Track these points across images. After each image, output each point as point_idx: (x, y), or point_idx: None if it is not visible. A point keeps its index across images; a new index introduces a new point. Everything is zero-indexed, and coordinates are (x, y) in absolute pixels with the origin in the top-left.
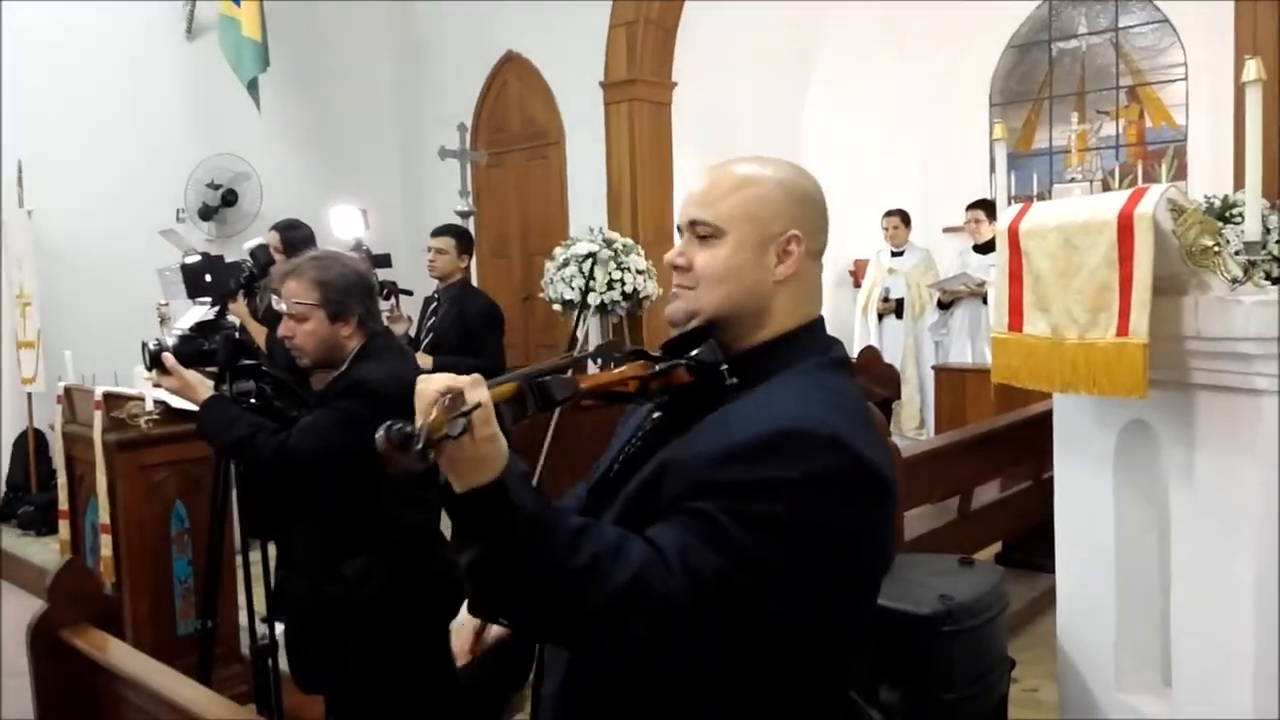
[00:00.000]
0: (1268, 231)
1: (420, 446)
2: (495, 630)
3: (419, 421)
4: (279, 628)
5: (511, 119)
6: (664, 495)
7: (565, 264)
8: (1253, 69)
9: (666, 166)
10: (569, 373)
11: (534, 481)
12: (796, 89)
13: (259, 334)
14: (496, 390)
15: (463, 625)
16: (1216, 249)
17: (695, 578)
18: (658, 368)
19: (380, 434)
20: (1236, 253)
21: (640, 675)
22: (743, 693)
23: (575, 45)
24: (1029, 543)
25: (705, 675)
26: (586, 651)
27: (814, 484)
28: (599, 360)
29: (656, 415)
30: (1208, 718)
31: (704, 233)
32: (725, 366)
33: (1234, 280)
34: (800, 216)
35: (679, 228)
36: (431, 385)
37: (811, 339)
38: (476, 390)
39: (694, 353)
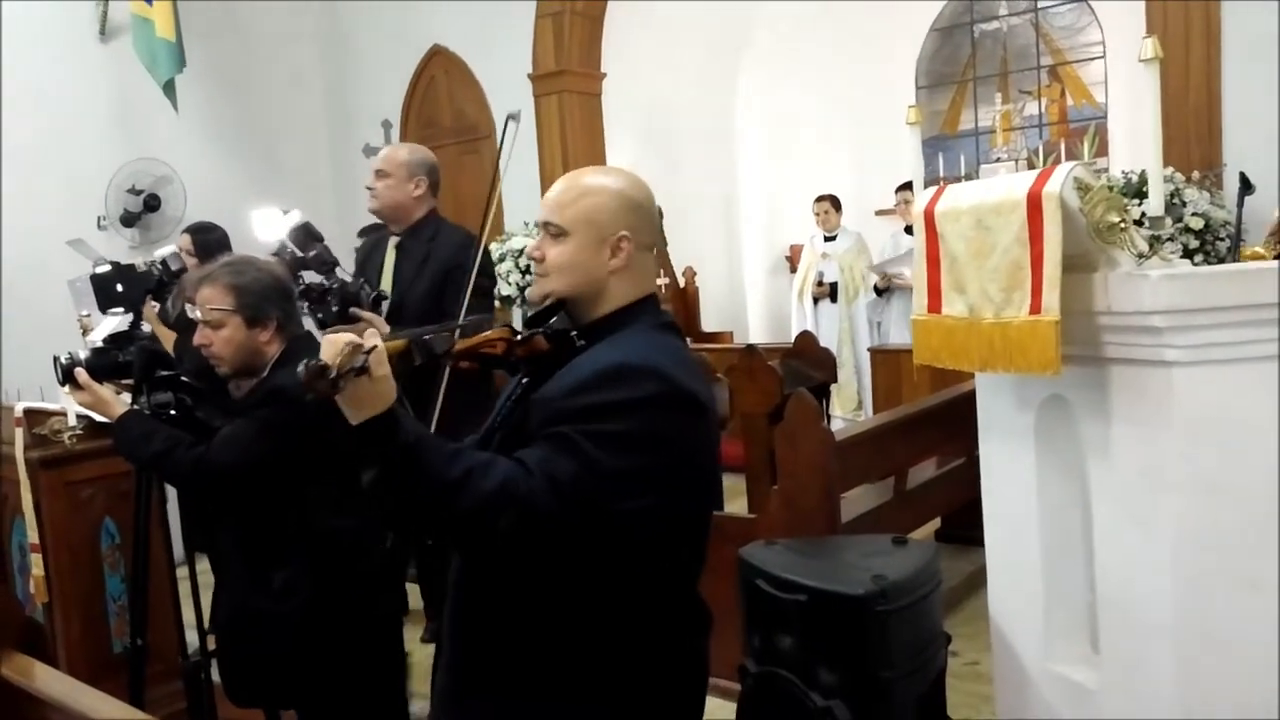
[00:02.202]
0: (1184, 205)
1: (332, 377)
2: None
3: (328, 360)
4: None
5: (441, 114)
6: (528, 427)
7: (502, 259)
8: (1149, 48)
9: (600, 157)
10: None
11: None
12: (727, 78)
13: (168, 340)
14: (389, 344)
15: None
16: (1123, 225)
17: (553, 480)
18: (520, 335)
19: (301, 367)
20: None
21: (518, 585)
22: (606, 596)
23: (502, 37)
24: (965, 518)
25: (573, 583)
26: (473, 569)
27: (643, 403)
28: (467, 332)
29: (525, 381)
30: (1133, 685)
31: (554, 232)
32: (575, 333)
33: (1140, 255)
34: (630, 220)
35: (537, 225)
36: (339, 336)
37: (644, 310)
38: (372, 339)
39: (550, 323)
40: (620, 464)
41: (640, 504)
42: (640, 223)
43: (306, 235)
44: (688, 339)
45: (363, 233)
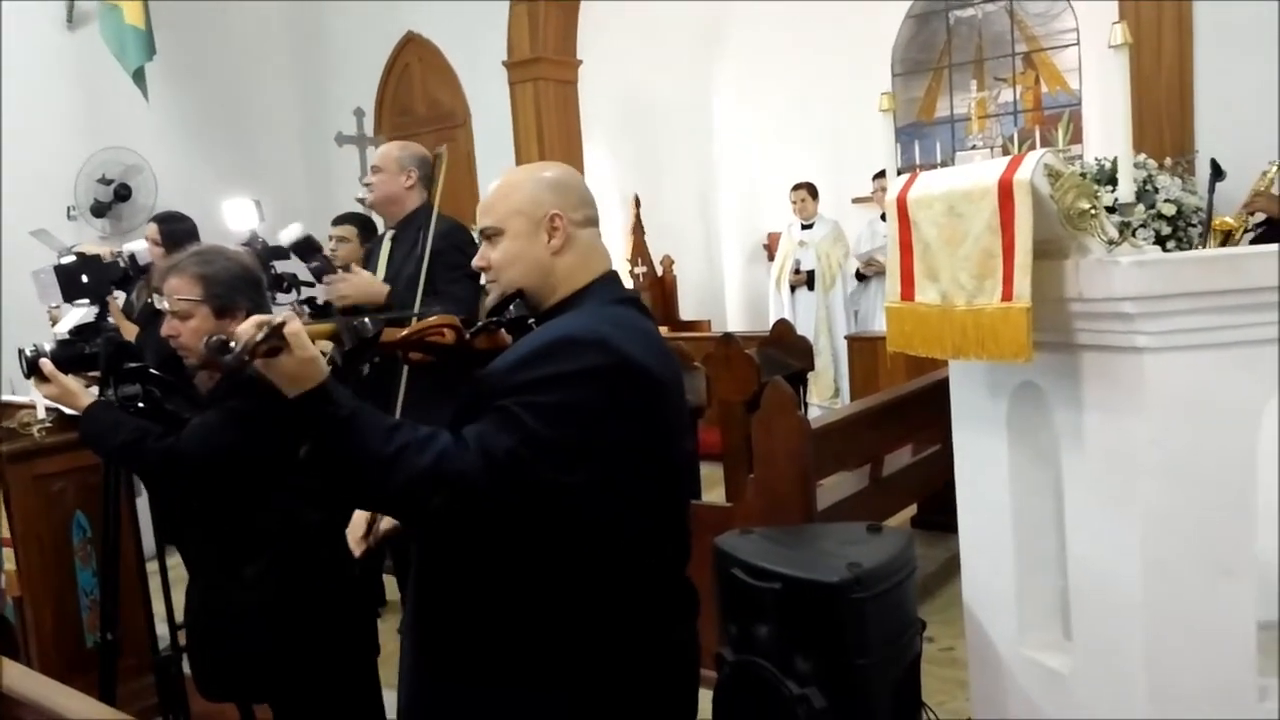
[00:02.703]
0: (1156, 191)
1: (236, 351)
2: (386, 523)
3: (234, 337)
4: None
5: (415, 102)
6: (479, 405)
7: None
8: (1119, 34)
9: (576, 145)
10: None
11: None
12: (703, 64)
13: (130, 333)
14: (315, 326)
15: (354, 520)
16: (1093, 212)
17: (488, 455)
18: (476, 327)
19: (203, 344)
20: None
21: (475, 567)
22: (566, 578)
23: (476, 25)
24: (940, 504)
25: (530, 564)
26: (431, 551)
27: (586, 375)
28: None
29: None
30: (1105, 670)
31: (490, 234)
32: (532, 320)
33: (1111, 242)
34: (557, 199)
35: (477, 235)
36: (252, 318)
37: (600, 289)
38: (291, 322)
39: (508, 311)
40: (560, 435)
41: (583, 478)
42: (569, 200)
43: (308, 247)
44: (665, 328)
45: (336, 222)
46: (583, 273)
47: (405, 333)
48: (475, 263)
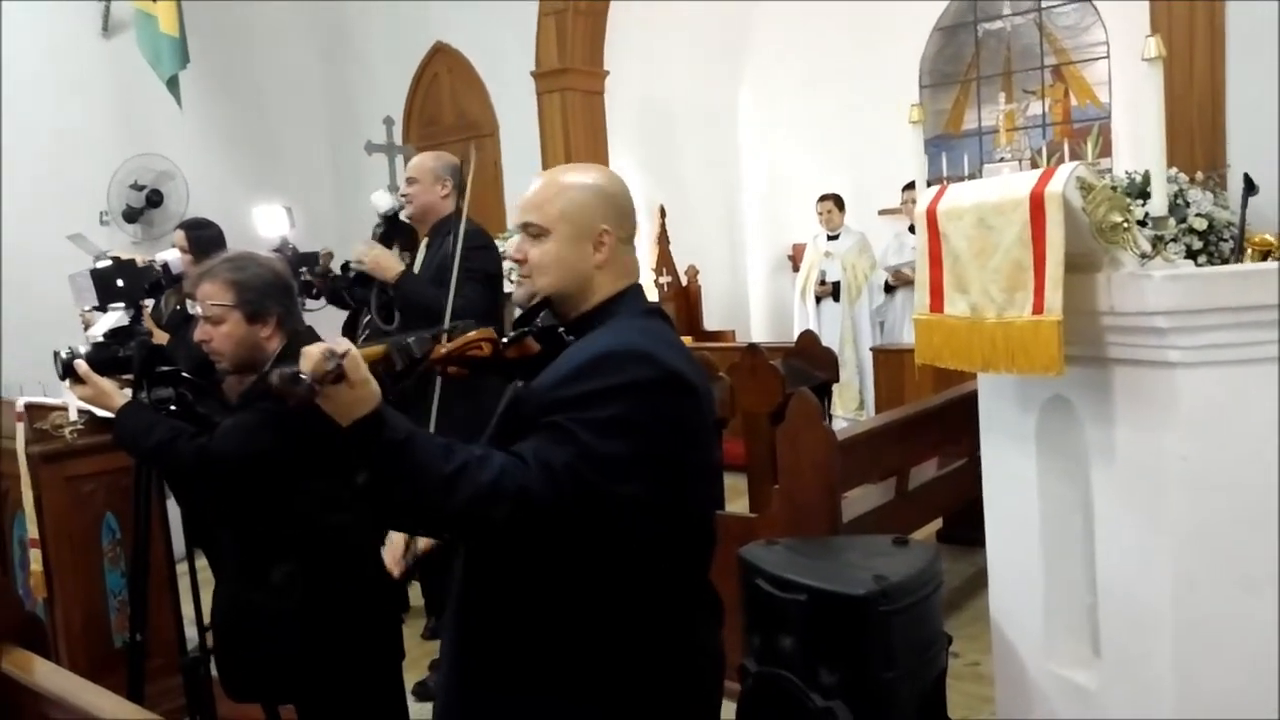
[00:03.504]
0: (1187, 205)
1: (307, 383)
2: (423, 543)
3: (304, 369)
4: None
5: (444, 112)
6: (522, 422)
7: (503, 256)
8: (1152, 46)
9: (602, 155)
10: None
11: None
12: (730, 75)
13: (160, 339)
14: (367, 350)
15: (392, 540)
16: (1126, 225)
17: (548, 468)
18: (507, 336)
19: (274, 376)
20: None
21: (520, 578)
22: (610, 588)
23: (505, 35)
24: (966, 519)
25: (576, 575)
26: (476, 563)
27: (632, 387)
28: (455, 336)
29: (520, 385)
30: (1133, 686)
31: (534, 232)
32: (563, 329)
33: (1144, 255)
34: (609, 214)
35: (516, 227)
36: (314, 346)
37: (630, 301)
38: (345, 345)
39: (536, 321)
40: (615, 448)
41: (638, 488)
42: (619, 216)
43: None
44: (689, 338)
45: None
46: (614, 285)
47: (446, 349)
48: (512, 254)
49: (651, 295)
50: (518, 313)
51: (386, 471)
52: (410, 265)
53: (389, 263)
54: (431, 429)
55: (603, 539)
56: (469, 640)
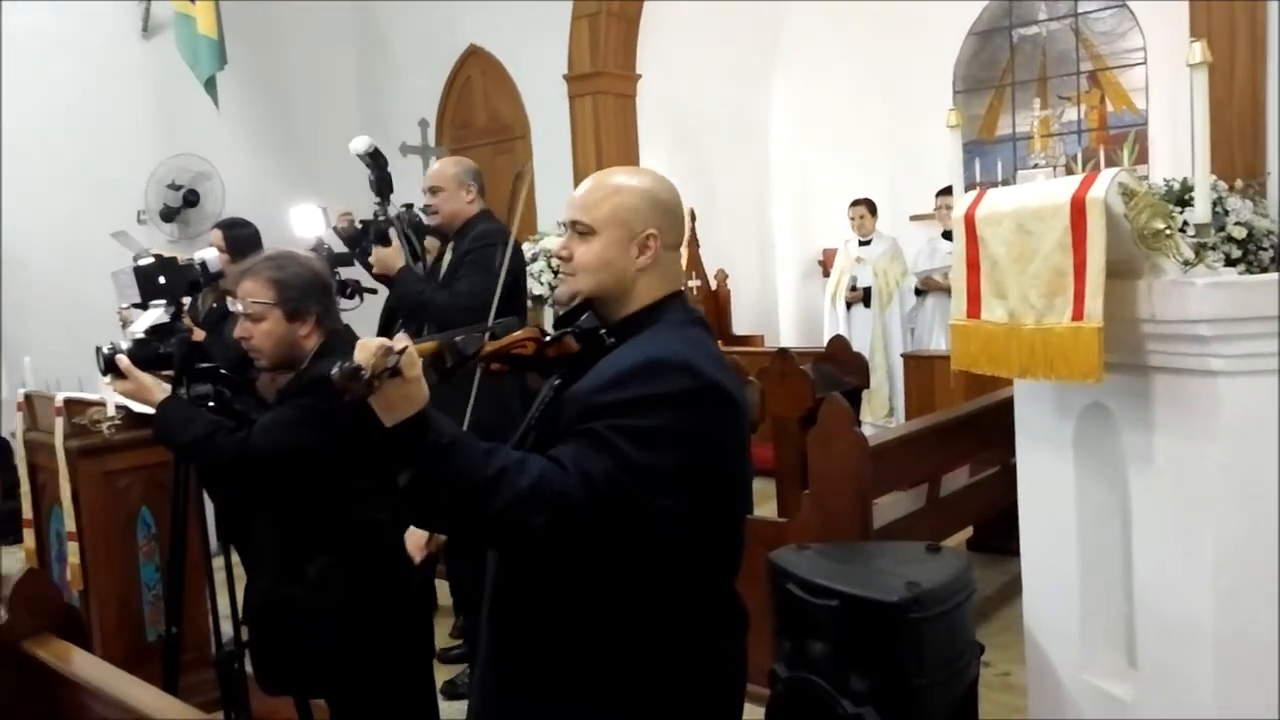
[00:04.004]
0: (1226, 213)
1: (367, 378)
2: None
3: (362, 362)
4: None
5: (476, 114)
6: (561, 425)
7: (534, 259)
8: (1198, 52)
9: (633, 158)
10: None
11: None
12: (761, 80)
13: (198, 337)
14: (420, 346)
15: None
16: (1168, 232)
17: (587, 477)
18: (549, 336)
19: (335, 370)
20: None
21: (553, 585)
22: (643, 596)
23: (538, 38)
24: (999, 527)
25: (609, 583)
26: (509, 568)
27: (673, 398)
28: (498, 334)
29: (557, 382)
30: (1170, 698)
31: (582, 230)
32: (604, 331)
33: (1186, 263)
34: (658, 219)
35: (563, 224)
36: (372, 340)
37: (671, 307)
38: (403, 342)
39: (579, 322)
40: (654, 459)
41: (675, 500)
42: (667, 222)
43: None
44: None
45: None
46: (657, 290)
47: (494, 347)
48: (557, 250)
49: None
50: (555, 311)
51: (429, 474)
52: (427, 264)
53: (392, 260)
54: (466, 423)
55: (638, 548)
56: (504, 645)
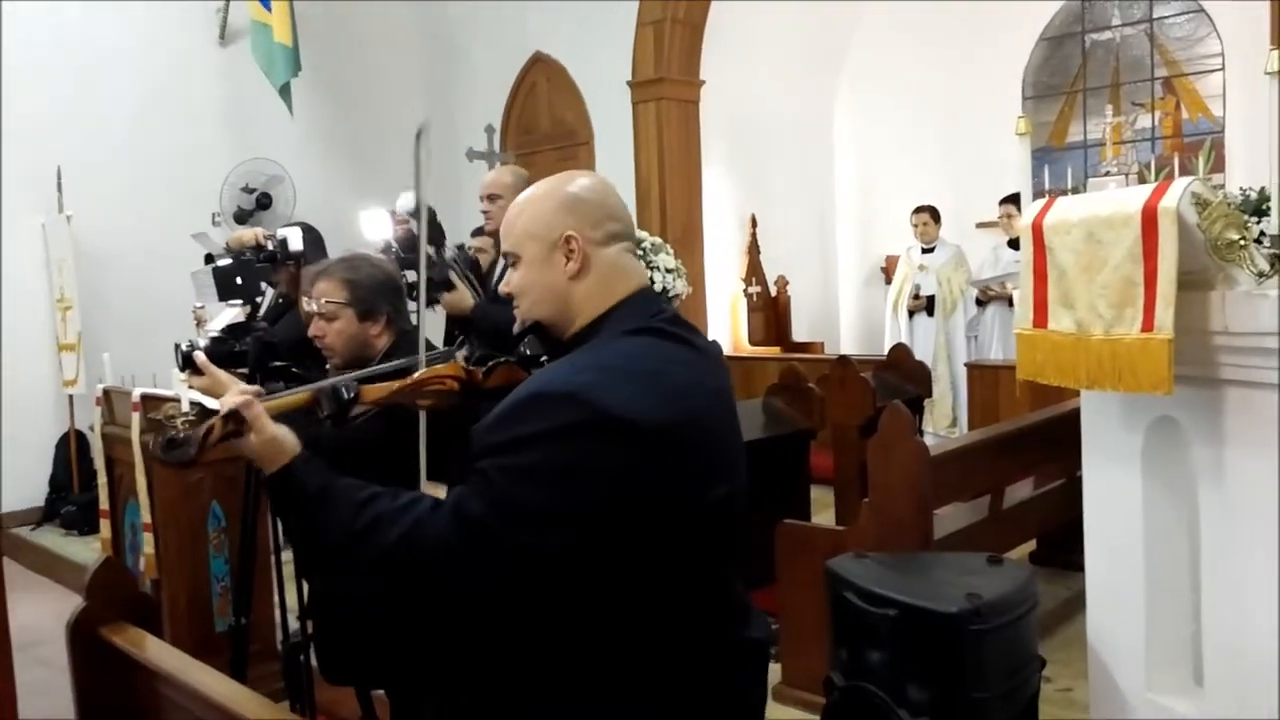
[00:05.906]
0: None
1: (193, 452)
2: None
3: (183, 431)
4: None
5: (540, 120)
6: (467, 463)
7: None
8: (1275, 59)
9: (695, 165)
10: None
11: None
12: (826, 86)
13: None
14: (286, 400)
15: None
16: (1242, 243)
17: (463, 521)
18: (484, 368)
19: (161, 444)
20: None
21: (484, 645)
22: (584, 641)
23: (603, 45)
24: (1062, 541)
25: (588, 592)
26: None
27: (556, 434)
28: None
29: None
30: (1237, 717)
31: (511, 260)
32: (544, 357)
33: (1261, 274)
34: (571, 219)
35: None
36: (229, 397)
37: (618, 318)
38: (252, 405)
39: (520, 347)
40: (533, 498)
41: (560, 541)
42: (584, 218)
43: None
44: (778, 348)
45: (474, 233)
46: (604, 297)
47: (399, 385)
48: (501, 289)
49: (740, 304)
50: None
51: (299, 524)
52: (483, 288)
53: (463, 302)
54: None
55: (544, 593)
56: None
